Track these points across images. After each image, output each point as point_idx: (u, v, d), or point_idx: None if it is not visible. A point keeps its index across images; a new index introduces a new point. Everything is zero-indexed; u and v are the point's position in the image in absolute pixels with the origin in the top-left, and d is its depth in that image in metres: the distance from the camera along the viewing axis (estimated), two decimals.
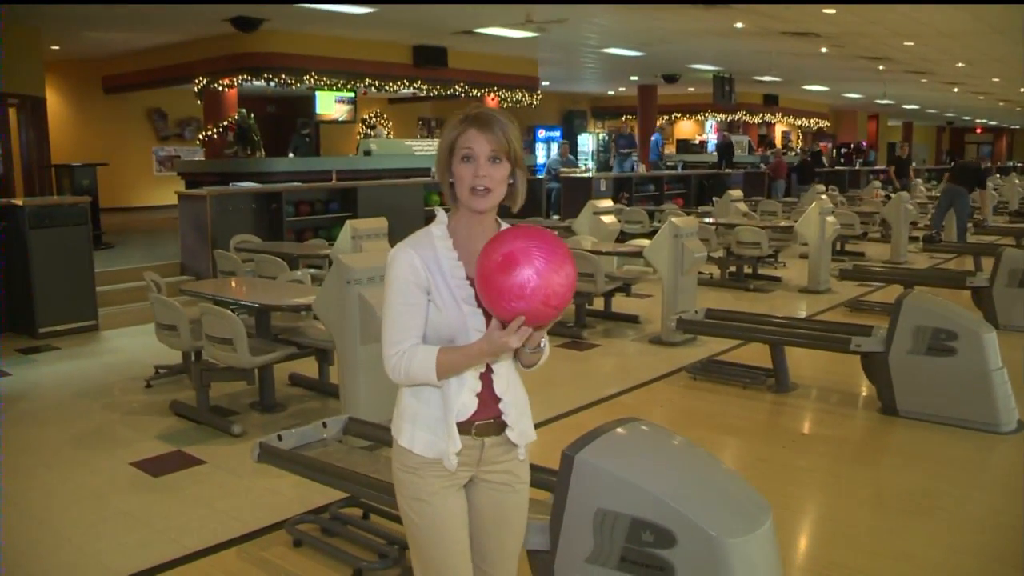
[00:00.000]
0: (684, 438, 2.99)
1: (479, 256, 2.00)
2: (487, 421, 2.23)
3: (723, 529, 2.51)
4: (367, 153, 15.05)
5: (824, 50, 14.23)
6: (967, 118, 37.97)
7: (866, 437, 5.67)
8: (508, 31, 13.24)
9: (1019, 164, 38.20)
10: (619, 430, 2.86)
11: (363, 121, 20.23)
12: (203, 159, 15.59)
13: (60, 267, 8.12)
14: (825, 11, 10.56)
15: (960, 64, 16.14)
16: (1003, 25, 11.65)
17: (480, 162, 2.13)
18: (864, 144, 30.49)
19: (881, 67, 16.58)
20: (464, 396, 2.19)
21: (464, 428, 2.19)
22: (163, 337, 5.85)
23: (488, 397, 2.22)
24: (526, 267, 1.91)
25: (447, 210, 2.26)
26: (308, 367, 6.33)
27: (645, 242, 9.10)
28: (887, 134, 36.23)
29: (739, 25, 11.91)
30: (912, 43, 13.39)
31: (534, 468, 3.35)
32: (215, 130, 14.73)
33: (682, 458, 2.82)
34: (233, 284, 6.53)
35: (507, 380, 2.26)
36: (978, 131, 45.17)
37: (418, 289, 2.14)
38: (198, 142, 16.56)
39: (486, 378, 2.21)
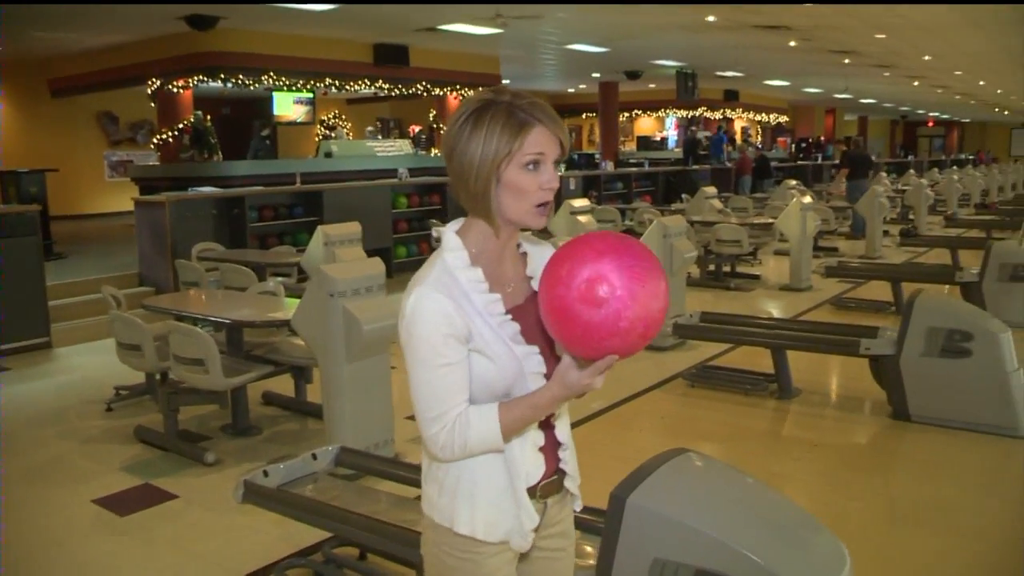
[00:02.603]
0: (740, 471, 2.63)
1: (545, 284, 1.58)
2: (551, 479, 1.82)
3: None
4: (328, 155, 14.58)
5: (793, 44, 14.04)
6: (920, 112, 38.26)
7: (878, 444, 5.41)
8: (472, 27, 12.87)
9: (971, 156, 38.67)
10: (671, 465, 2.49)
11: (321, 122, 19.75)
12: (158, 163, 15.00)
13: (8, 280, 7.57)
14: (805, 3, 10.35)
15: (927, 57, 16.07)
16: (982, 19, 11.53)
17: (548, 167, 1.70)
18: (822, 139, 30.50)
19: (847, 61, 16.45)
20: (528, 455, 1.77)
21: (529, 493, 1.78)
22: (125, 358, 5.37)
23: (550, 448, 1.83)
24: (618, 294, 1.50)
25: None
26: (282, 384, 5.90)
27: None
28: (843, 128, 36.39)
29: (711, 19, 11.65)
30: (884, 36, 13.23)
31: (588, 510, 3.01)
32: (170, 133, 14.16)
33: (745, 496, 2.46)
34: (202, 298, 6.05)
35: (565, 421, 1.86)
36: (930, 124, 45.64)
37: (456, 343, 1.67)
38: (152, 146, 15.94)
39: (546, 425, 1.81)
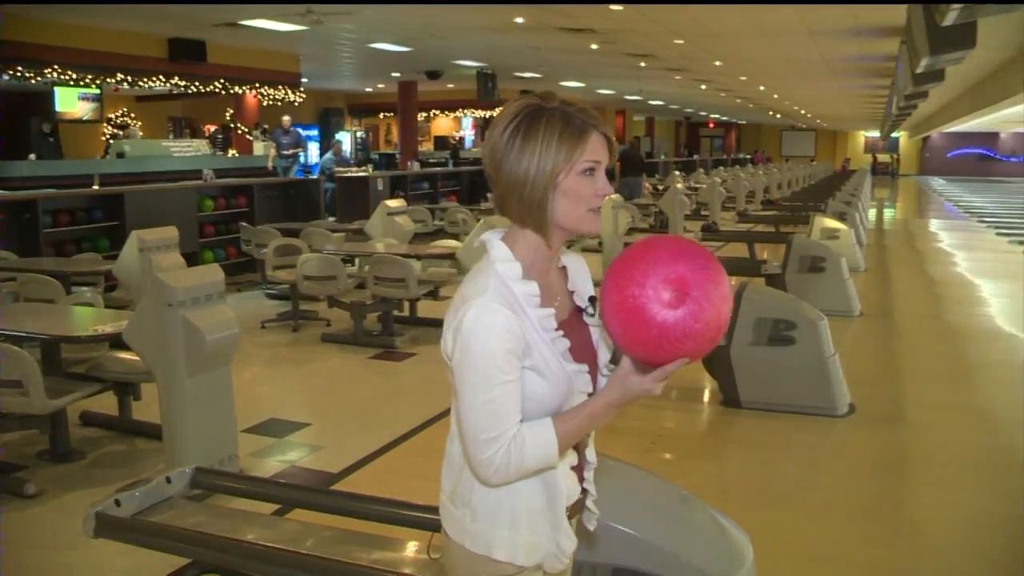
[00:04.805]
0: (644, 469, 2.66)
1: (614, 284, 1.52)
2: (579, 498, 1.77)
3: (721, 568, 2.20)
4: (120, 155, 13.74)
5: (594, 47, 14.42)
6: (703, 113, 40.38)
7: (713, 430, 5.68)
8: (274, 24, 12.45)
9: (748, 156, 41.25)
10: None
11: (109, 120, 18.59)
12: None
13: None
14: (612, 8, 10.62)
15: (717, 63, 16.91)
16: (768, 27, 12.25)
17: (602, 174, 1.65)
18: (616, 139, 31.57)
19: (643, 64, 17.08)
20: (567, 474, 1.70)
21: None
22: None
23: (580, 466, 1.77)
24: (695, 295, 1.48)
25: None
26: (102, 403, 5.47)
27: (453, 243, 8.79)
28: (632, 128, 37.88)
29: (520, 20, 11.78)
30: (682, 41, 13.82)
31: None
32: None
33: (654, 493, 2.48)
34: (12, 312, 5.49)
35: (592, 438, 1.82)
36: (711, 125, 48.27)
37: (515, 359, 1.58)
38: None
39: (579, 442, 1.75)
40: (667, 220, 13.91)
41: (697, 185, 18.53)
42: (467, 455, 1.63)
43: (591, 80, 22.19)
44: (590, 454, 1.81)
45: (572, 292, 1.77)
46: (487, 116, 26.16)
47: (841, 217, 12.67)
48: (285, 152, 15.45)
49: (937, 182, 38.33)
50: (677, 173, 20.19)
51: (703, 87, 22.45)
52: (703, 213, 16.70)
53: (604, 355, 1.77)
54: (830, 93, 23.54)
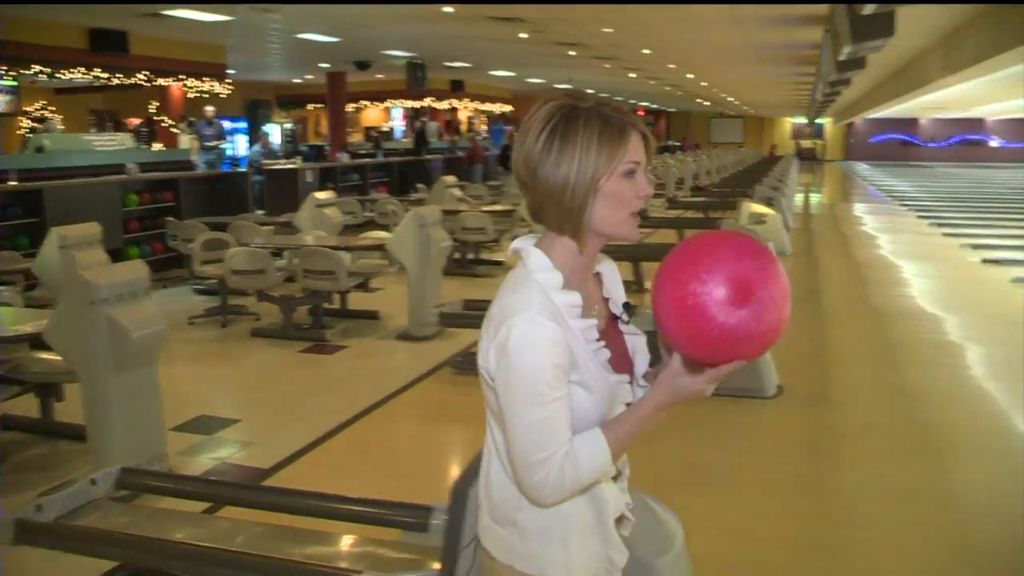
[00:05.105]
0: None
1: (673, 280, 1.44)
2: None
3: (652, 550, 2.22)
4: (39, 150, 13.32)
5: (524, 36, 14.43)
6: (633, 101, 40.65)
7: None
8: (198, 14, 12.21)
9: (678, 143, 41.67)
10: None
11: (26, 114, 18.06)
12: None
13: None
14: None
15: (645, 51, 17.04)
16: (692, 17, 12.38)
17: (643, 175, 1.57)
18: None
19: (572, 53, 17.13)
20: (612, 486, 1.65)
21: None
22: None
23: (616, 476, 1.71)
24: (759, 295, 1.41)
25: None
26: (23, 406, 5.30)
27: (382, 234, 8.73)
28: None
29: (448, 9, 11.72)
30: (611, 30, 13.90)
31: (387, 504, 2.95)
32: None
33: None
34: None
35: None
36: (640, 112, 48.61)
37: (564, 374, 1.50)
38: None
39: None
40: None
41: None
42: (517, 478, 1.55)
43: (521, 69, 22.23)
44: (622, 464, 1.76)
45: (607, 299, 1.71)
46: (420, 107, 25.99)
47: (768, 202, 12.89)
48: (208, 144, 15.08)
49: (861, 167, 39.19)
50: None
51: (633, 75, 22.62)
52: None
53: (641, 364, 1.70)
54: (757, 80, 23.90)
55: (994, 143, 42.76)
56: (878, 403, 5.85)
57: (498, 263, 11.38)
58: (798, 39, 14.51)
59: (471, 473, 2.39)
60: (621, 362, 1.64)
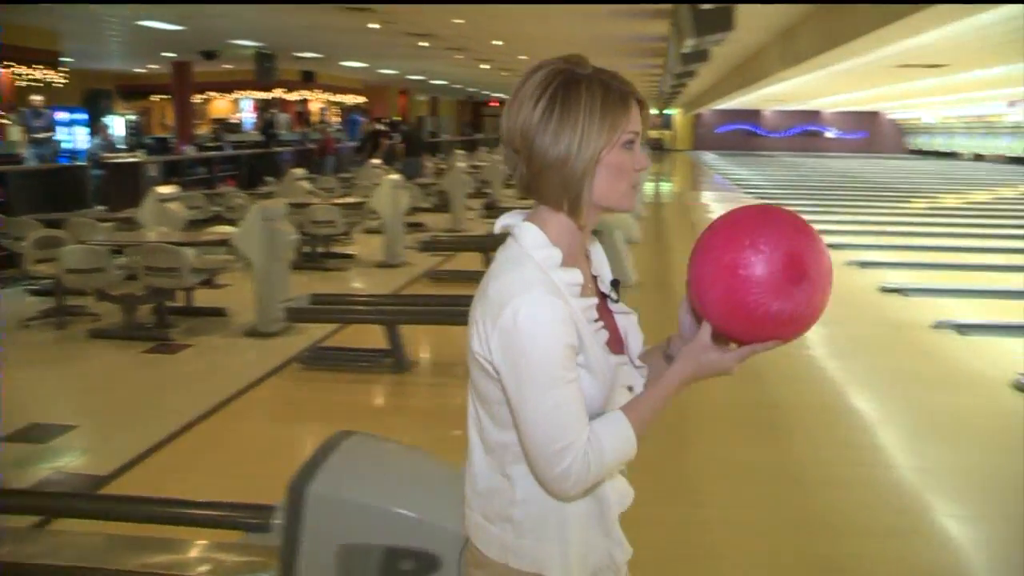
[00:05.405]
0: (408, 446, 2.65)
1: (722, 247, 1.38)
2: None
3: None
4: None
5: (374, 26, 14.29)
6: (485, 92, 40.87)
7: None
8: None
9: None
10: (343, 449, 2.43)
11: None
12: None
13: None
14: None
15: (496, 42, 17.13)
16: (547, 8, 12.50)
17: (639, 146, 1.49)
18: (399, 120, 31.48)
19: (424, 44, 17.07)
20: (618, 478, 1.57)
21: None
22: None
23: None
24: (812, 276, 1.34)
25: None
26: None
27: (228, 229, 8.49)
28: (415, 108, 37.86)
29: None
30: (461, 21, 13.90)
31: (228, 506, 2.86)
32: None
33: (420, 468, 2.47)
34: None
35: None
36: (492, 103, 48.90)
37: (574, 354, 1.41)
38: None
39: None
40: (449, 199, 14.00)
41: (479, 164, 18.72)
42: (537, 471, 1.44)
43: (373, 60, 22.02)
44: None
45: (595, 277, 1.62)
46: (271, 98, 25.37)
47: None
48: (37, 136, 14.14)
49: (709, 156, 40.48)
50: (459, 152, 20.34)
51: (485, 67, 22.72)
52: (485, 191, 16.90)
53: (635, 344, 1.63)
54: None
55: (830, 134, 44.90)
56: (724, 384, 5.95)
57: (348, 256, 11.26)
58: (646, 32, 14.87)
59: (309, 469, 2.36)
60: (615, 343, 1.57)
